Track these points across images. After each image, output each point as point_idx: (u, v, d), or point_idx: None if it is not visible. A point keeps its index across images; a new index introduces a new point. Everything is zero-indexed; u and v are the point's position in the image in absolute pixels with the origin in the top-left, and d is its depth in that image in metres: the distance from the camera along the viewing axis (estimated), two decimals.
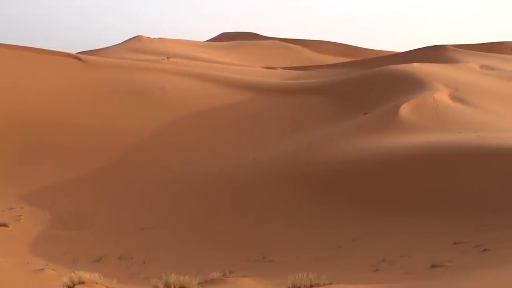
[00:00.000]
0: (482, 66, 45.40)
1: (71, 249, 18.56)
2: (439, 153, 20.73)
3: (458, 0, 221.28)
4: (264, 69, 54.61)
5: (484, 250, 12.51)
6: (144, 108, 33.43)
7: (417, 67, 38.77)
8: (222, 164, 25.87)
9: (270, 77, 45.95)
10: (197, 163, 26.49)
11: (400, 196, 19.11)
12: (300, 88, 37.91)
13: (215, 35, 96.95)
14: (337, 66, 57.40)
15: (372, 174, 21.02)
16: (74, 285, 10.18)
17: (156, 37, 78.49)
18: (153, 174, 25.66)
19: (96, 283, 10.49)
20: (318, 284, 10.13)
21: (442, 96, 30.68)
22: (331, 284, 10.27)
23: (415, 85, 33.52)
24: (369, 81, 36.98)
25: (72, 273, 10.63)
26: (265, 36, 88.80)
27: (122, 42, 74.75)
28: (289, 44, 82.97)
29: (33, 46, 41.11)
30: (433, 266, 11.92)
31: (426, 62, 42.60)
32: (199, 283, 11.21)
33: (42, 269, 14.75)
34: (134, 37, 76.36)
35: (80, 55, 42.65)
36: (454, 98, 31.10)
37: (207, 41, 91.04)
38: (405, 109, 27.98)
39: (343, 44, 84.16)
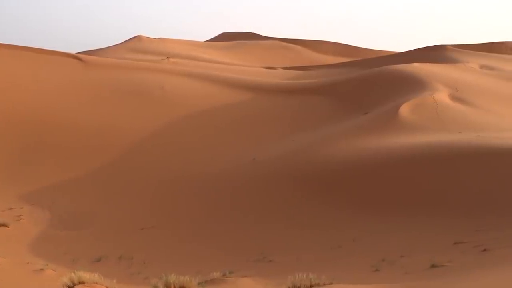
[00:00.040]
0: (482, 66, 45.40)
1: (71, 249, 18.55)
2: (439, 153, 20.72)
3: (458, 0, 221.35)
4: (264, 69, 54.60)
5: (484, 250, 12.51)
6: (144, 108, 33.42)
7: (417, 67, 38.77)
8: (222, 164, 25.86)
9: (270, 77, 45.94)
10: (197, 163, 26.48)
11: (400, 196, 19.11)
12: (300, 88, 37.91)
13: (215, 35, 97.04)
14: (337, 66, 57.40)
15: (372, 174, 21.02)
16: (74, 285, 10.17)
17: (156, 37, 78.50)
18: (153, 174, 25.66)
19: (96, 283, 10.48)
20: (318, 284, 10.13)
21: (442, 96, 30.68)
22: (331, 284, 10.27)
23: (415, 85, 33.52)
24: (369, 81, 36.98)
25: (72, 273, 10.63)
26: (265, 36, 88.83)
27: (122, 42, 74.76)
28: (289, 44, 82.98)
29: (33, 46, 41.17)
30: (433, 266, 11.91)
31: (426, 62, 42.60)
32: (199, 283, 11.21)
33: (42, 269, 14.75)
34: (134, 37, 76.36)
35: (80, 55, 42.64)
36: (454, 98, 31.10)
37: (207, 41, 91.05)
38: (405, 109, 27.98)
39: (343, 44, 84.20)
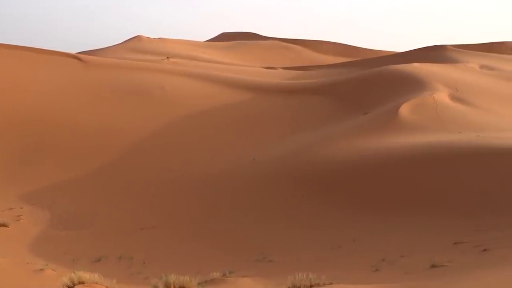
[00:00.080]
0: (482, 66, 45.40)
1: (71, 249, 18.55)
2: (439, 153, 20.72)
3: (458, 0, 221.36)
4: (264, 69, 54.60)
5: (484, 250, 12.50)
6: (144, 108, 33.42)
7: (417, 67, 38.77)
8: (222, 164, 25.86)
9: (270, 77, 45.94)
10: (197, 163, 26.48)
11: (400, 196, 19.10)
12: (300, 88, 37.91)
13: (215, 35, 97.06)
14: (337, 66, 57.40)
15: (372, 174, 21.01)
16: (74, 285, 10.17)
17: (156, 37, 78.51)
18: (153, 174, 25.66)
19: (96, 283, 10.48)
20: (318, 284, 10.13)
21: (442, 96, 30.68)
22: (331, 284, 10.26)
23: (415, 85, 33.52)
24: (369, 81, 36.98)
25: (72, 273, 10.62)
26: (265, 36, 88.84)
27: (122, 42, 74.76)
28: (289, 44, 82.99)
29: (33, 46, 41.17)
30: (433, 266, 11.91)
31: (426, 62, 42.60)
32: (199, 283, 11.21)
33: (42, 269, 14.75)
34: (134, 37, 76.36)
35: (79, 55, 42.64)
36: (454, 98, 31.10)
37: (207, 41, 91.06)
38: (405, 109, 27.98)
39: (343, 44, 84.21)
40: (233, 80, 39.78)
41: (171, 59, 54.02)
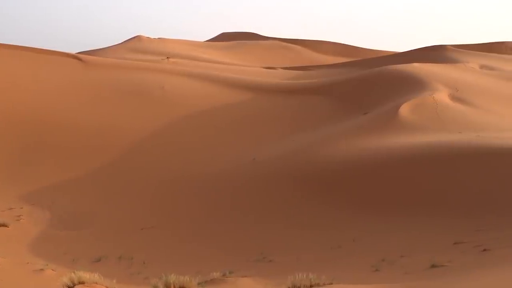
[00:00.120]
0: (482, 66, 45.39)
1: (71, 249, 18.55)
2: (439, 153, 20.72)
3: (458, 0, 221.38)
4: (264, 69, 54.60)
5: (484, 250, 12.50)
6: (144, 108, 33.42)
7: (417, 67, 38.77)
8: (222, 164, 25.86)
9: (270, 77, 45.94)
10: (197, 163, 26.48)
11: (400, 196, 19.10)
12: (300, 88, 37.91)
13: (215, 35, 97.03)
14: (337, 66, 57.39)
15: (372, 174, 21.01)
16: (74, 285, 10.17)
17: (156, 37, 78.49)
18: (153, 174, 25.66)
19: (96, 283, 10.48)
20: (318, 284, 10.13)
21: (442, 96, 30.68)
22: (331, 284, 10.26)
23: (415, 85, 33.52)
24: (369, 81, 36.97)
25: (72, 273, 10.62)
26: (265, 36, 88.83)
27: (122, 42, 74.75)
28: (289, 44, 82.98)
29: (33, 46, 41.16)
30: (433, 266, 11.91)
31: (426, 62, 42.59)
32: (199, 283, 11.21)
33: (42, 269, 14.75)
34: (134, 37, 76.35)
35: (79, 55, 42.64)
36: (454, 98, 31.10)
37: (207, 41, 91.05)
38: (405, 109, 27.98)
39: (343, 44, 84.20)
40: (233, 80, 39.78)
41: (171, 59, 54.02)
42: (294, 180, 22.49)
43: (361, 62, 57.55)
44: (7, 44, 39.65)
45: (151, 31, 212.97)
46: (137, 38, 76.10)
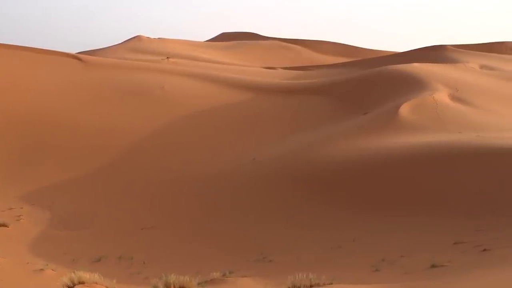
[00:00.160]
0: (482, 66, 45.39)
1: (71, 249, 18.55)
2: (439, 153, 20.72)
3: (458, 0, 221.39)
4: (264, 69, 54.60)
5: (484, 250, 12.50)
6: (144, 108, 33.42)
7: (417, 67, 38.77)
8: (222, 164, 25.86)
9: (270, 77, 45.94)
10: (197, 163, 26.48)
11: (400, 196, 19.10)
12: (300, 88, 37.90)
13: (215, 35, 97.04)
14: (337, 66, 57.40)
15: (372, 174, 21.01)
16: (74, 285, 10.17)
17: (156, 37, 78.49)
18: (153, 174, 25.65)
19: (96, 283, 10.48)
20: (318, 284, 10.13)
21: (442, 96, 30.68)
22: (331, 284, 10.26)
23: (415, 85, 33.51)
24: (369, 81, 36.97)
25: (72, 273, 10.62)
26: (265, 36, 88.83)
27: (122, 42, 74.75)
28: (289, 44, 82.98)
29: (33, 46, 41.16)
30: (433, 266, 11.91)
31: (426, 62, 42.59)
32: (199, 283, 11.21)
33: (42, 269, 14.74)
34: (134, 37, 76.35)
35: (79, 55, 42.64)
36: (454, 98, 31.10)
37: (207, 41, 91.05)
38: (405, 109, 27.98)
39: (343, 44, 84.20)
40: (233, 80, 39.78)
41: (171, 59, 54.01)
42: (294, 180, 22.49)
43: (361, 62, 57.54)
44: (7, 44, 39.64)
45: (151, 31, 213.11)
46: (137, 38, 76.10)
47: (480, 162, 19.12)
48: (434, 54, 52.77)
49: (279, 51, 79.85)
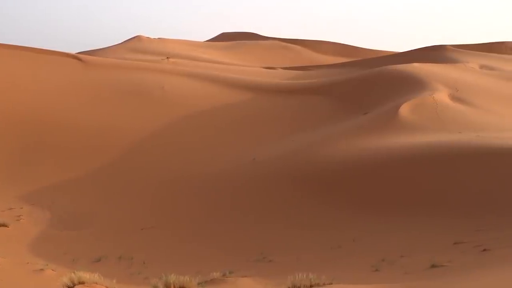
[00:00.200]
0: (482, 66, 45.39)
1: (71, 249, 18.54)
2: (439, 153, 20.72)
3: (458, 0, 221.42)
4: (264, 69, 54.60)
5: (484, 250, 12.50)
6: (144, 108, 33.42)
7: (417, 67, 38.77)
8: (222, 164, 25.86)
9: (270, 77, 45.94)
10: (197, 163, 26.47)
11: (400, 196, 19.10)
12: (300, 88, 37.91)
13: (215, 35, 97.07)
14: (337, 66, 57.41)
15: (372, 174, 21.01)
16: (74, 285, 10.17)
17: (156, 37, 78.49)
18: (153, 174, 25.65)
19: (96, 283, 10.47)
20: (318, 284, 10.12)
21: (442, 96, 30.68)
22: (331, 284, 10.26)
23: (415, 85, 33.51)
24: (369, 81, 36.97)
25: (72, 273, 10.62)
26: (264, 36, 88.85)
27: (121, 42, 74.76)
28: (289, 44, 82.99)
29: (33, 46, 41.16)
30: (433, 266, 11.91)
31: (426, 62, 42.60)
32: (199, 283, 11.21)
33: (42, 269, 14.74)
34: (134, 37, 76.36)
35: (79, 55, 42.64)
36: (454, 98, 31.10)
37: (207, 41, 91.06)
38: (405, 109, 27.98)
39: (343, 44, 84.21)
40: (233, 80, 39.78)
41: (171, 59, 54.01)
42: (294, 180, 22.49)
43: (361, 62, 57.56)
44: (7, 44, 39.65)
45: (151, 31, 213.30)
46: (137, 38, 76.10)
47: (480, 162, 19.11)
48: (434, 54, 52.77)
49: (279, 51, 79.86)
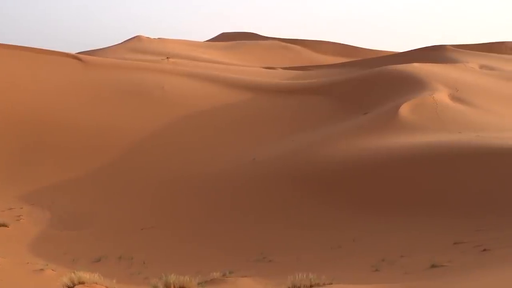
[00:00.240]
0: (482, 66, 45.39)
1: (71, 249, 18.54)
2: (439, 153, 20.72)
3: (458, 0, 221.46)
4: (264, 69, 54.61)
5: (484, 250, 12.50)
6: (144, 108, 33.42)
7: (417, 67, 38.77)
8: (222, 164, 25.86)
9: (270, 77, 45.94)
10: (197, 163, 26.47)
11: (400, 196, 19.10)
12: (300, 88, 37.91)
13: (215, 35, 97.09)
14: (337, 66, 57.42)
15: (372, 174, 21.01)
16: (74, 285, 10.17)
17: (156, 37, 78.51)
18: (153, 174, 25.65)
19: (96, 283, 10.47)
20: (318, 284, 10.12)
21: (442, 96, 30.68)
22: (331, 284, 10.26)
23: (415, 85, 33.52)
24: (369, 81, 36.97)
25: (72, 273, 10.62)
26: (264, 36, 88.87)
27: (121, 42, 74.76)
28: (289, 44, 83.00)
29: (32, 46, 41.16)
30: (433, 266, 11.91)
31: (426, 62, 42.60)
32: (199, 283, 11.20)
33: (42, 269, 14.74)
34: (134, 37, 76.37)
35: (79, 55, 42.64)
36: (454, 98, 31.10)
37: (206, 41, 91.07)
38: (405, 109, 27.98)
39: (343, 44, 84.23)
40: (233, 80, 39.79)
41: (171, 59, 54.02)
42: (294, 180, 22.49)
43: (361, 62, 57.57)
44: (7, 44, 39.64)
45: (151, 31, 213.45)
46: (137, 38, 76.11)
47: (480, 162, 19.11)
48: (434, 54, 52.79)
49: (278, 51, 79.87)
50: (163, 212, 22.03)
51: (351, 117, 30.41)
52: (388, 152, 22.19)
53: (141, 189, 24.33)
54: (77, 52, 54.53)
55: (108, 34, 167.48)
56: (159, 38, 78.36)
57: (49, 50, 41.12)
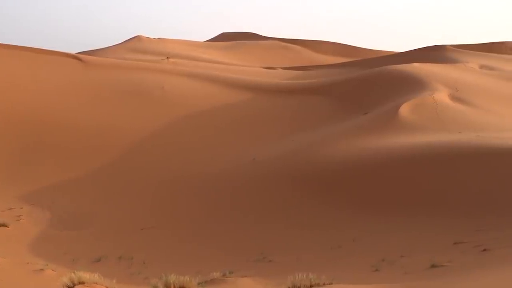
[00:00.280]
0: (482, 66, 45.39)
1: (71, 249, 18.54)
2: (439, 153, 20.72)
3: (458, 0, 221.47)
4: (264, 69, 54.61)
5: (484, 250, 12.50)
6: (144, 108, 33.42)
7: (417, 67, 38.77)
8: (222, 164, 25.86)
9: (270, 77, 45.94)
10: (197, 163, 26.47)
11: (400, 196, 19.10)
12: (300, 88, 37.91)
13: (215, 35, 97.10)
14: (337, 66, 57.42)
15: (372, 174, 21.01)
16: (74, 285, 10.17)
17: (156, 37, 78.52)
18: (153, 174, 25.65)
19: (96, 283, 10.47)
20: (318, 284, 10.12)
21: (442, 96, 30.68)
22: (331, 284, 10.26)
23: (415, 85, 33.52)
24: (369, 81, 36.97)
25: (72, 273, 10.62)
26: (264, 36, 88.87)
27: (121, 42, 74.77)
28: (289, 44, 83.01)
29: (32, 46, 41.16)
30: (433, 266, 11.91)
31: (426, 62, 42.60)
32: (199, 283, 11.21)
33: (42, 269, 14.74)
34: (134, 37, 76.37)
35: (79, 55, 42.64)
36: (454, 98, 31.10)
37: (206, 41, 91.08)
38: (405, 109, 27.98)
39: (343, 44, 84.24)
40: (233, 80, 39.79)
41: (171, 59, 54.01)
42: (294, 180, 22.49)
43: (361, 62, 57.57)
44: (7, 44, 39.64)
45: (151, 31, 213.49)
46: (137, 38, 76.12)
47: (480, 162, 19.11)
48: (434, 54, 52.78)
49: (278, 51, 79.87)
50: (163, 212, 22.03)
51: (351, 117, 30.41)
52: (388, 152, 22.19)
53: (141, 189, 24.34)
54: (77, 52, 54.55)
55: (108, 34, 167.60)
56: (159, 38, 78.38)
57: (49, 50, 41.12)
